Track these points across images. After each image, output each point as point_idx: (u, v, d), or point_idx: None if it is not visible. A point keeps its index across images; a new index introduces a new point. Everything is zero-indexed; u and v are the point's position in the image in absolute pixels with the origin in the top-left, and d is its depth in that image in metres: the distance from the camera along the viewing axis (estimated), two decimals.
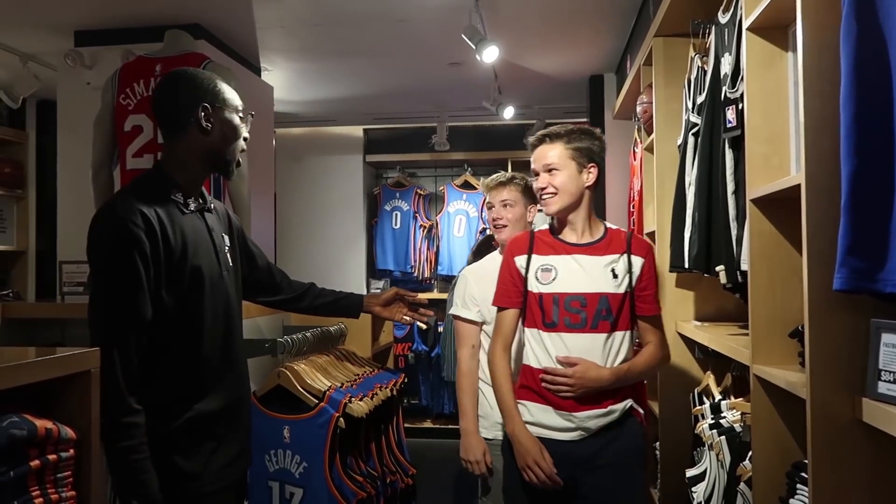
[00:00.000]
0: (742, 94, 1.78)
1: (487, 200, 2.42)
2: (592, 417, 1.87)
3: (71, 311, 2.59)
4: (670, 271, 2.54)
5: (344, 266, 5.62)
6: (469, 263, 3.74)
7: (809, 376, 1.25)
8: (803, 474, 1.42)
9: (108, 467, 1.43)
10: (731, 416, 2.06)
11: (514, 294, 1.97)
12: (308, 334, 2.26)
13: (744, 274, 1.76)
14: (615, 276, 1.90)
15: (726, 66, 1.96)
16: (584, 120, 4.58)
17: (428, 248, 5.73)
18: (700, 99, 2.19)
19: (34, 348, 1.04)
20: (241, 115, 1.63)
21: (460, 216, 5.65)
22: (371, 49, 3.96)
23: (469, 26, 3.15)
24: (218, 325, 1.59)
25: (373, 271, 5.78)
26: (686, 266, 2.30)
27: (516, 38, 3.76)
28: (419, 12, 3.33)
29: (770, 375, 1.49)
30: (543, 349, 1.90)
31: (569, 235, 1.96)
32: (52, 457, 0.91)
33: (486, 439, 2.25)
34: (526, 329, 1.96)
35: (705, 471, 2.09)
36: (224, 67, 2.60)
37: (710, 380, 2.39)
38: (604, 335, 1.87)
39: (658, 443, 2.76)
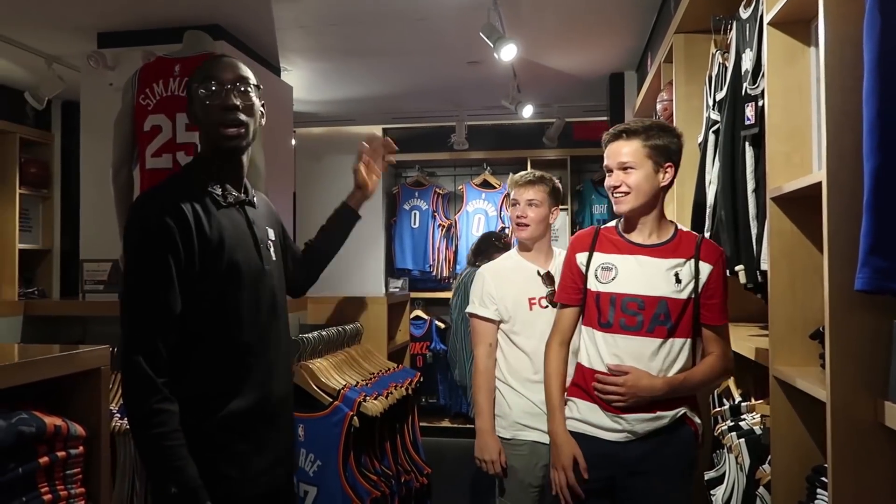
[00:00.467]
0: (763, 91, 1.74)
1: (512, 197, 2.37)
2: (641, 421, 1.81)
3: (92, 308, 2.62)
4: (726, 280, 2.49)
5: (363, 265, 5.63)
6: (469, 262, 3.72)
7: (830, 378, 1.21)
8: (823, 479, 1.39)
9: (140, 459, 1.42)
10: (750, 419, 2.03)
11: (573, 291, 1.92)
12: (323, 333, 2.26)
13: (764, 274, 1.72)
14: (678, 281, 1.80)
15: (747, 62, 1.93)
16: (605, 119, 4.54)
17: (446, 248, 5.72)
18: (720, 96, 2.16)
19: (45, 345, 1.05)
20: (207, 84, 1.51)
21: (479, 215, 5.64)
22: (389, 48, 3.96)
23: (487, 24, 3.13)
24: (259, 319, 1.54)
25: (391, 270, 5.78)
26: None
27: (535, 36, 3.74)
28: (438, 11, 3.33)
29: (790, 377, 1.46)
30: (596, 349, 1.85)
31: (635, 235, 1.87)
32: (60, 453, 0.91)
33: (503, 439, 2.24)
34: (583, 327, 1.92)
35: (724, 474, 2.05)
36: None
37: (730, 381, 2.34)
38: (659, 340, 1.79)
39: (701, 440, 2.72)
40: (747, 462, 1.88)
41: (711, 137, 2.28)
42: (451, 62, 4.19)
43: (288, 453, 1.67)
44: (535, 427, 2.21)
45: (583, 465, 1.84)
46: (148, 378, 1.37)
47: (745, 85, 1.91)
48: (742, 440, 1.92)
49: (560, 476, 1.85)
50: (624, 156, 1.82)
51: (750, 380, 2.24)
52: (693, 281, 1.81)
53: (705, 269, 1.82)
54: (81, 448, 0.95)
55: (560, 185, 2.41)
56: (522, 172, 2.40)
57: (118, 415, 2.18)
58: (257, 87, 1.58)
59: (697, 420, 1.93)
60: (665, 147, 1.82)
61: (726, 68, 2.19)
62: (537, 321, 2.24)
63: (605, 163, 1.88)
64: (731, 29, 2.17)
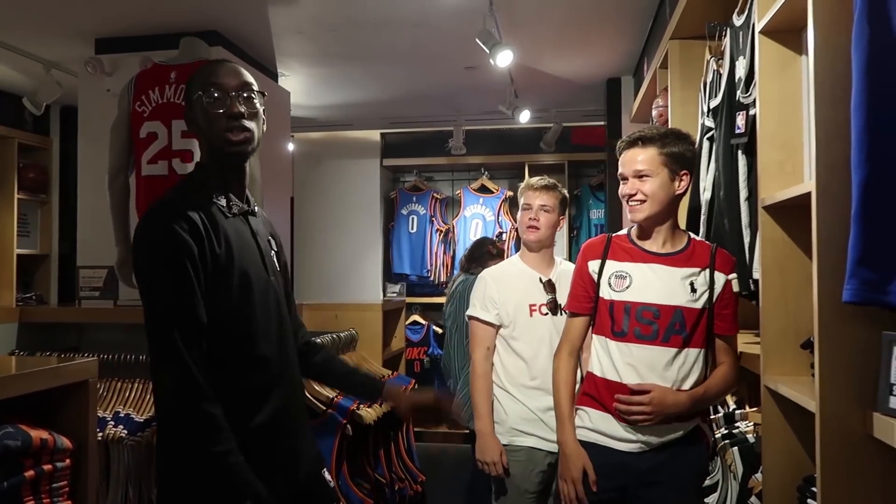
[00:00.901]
0: (754, 100, 1.75)
1: (524, 202, 2.37)
2: (655, 432, 1.79)
3: (87, 315, 2.63)
4: None
5: (360, 270, 5.63)
6: (462, 268, 3.70)
7: (819, 389, 1.21)
8: (814, 489, 1.39)
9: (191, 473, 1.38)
10: (744, 427, 2.03)
11: (584, 300, 1.90)
12: (320, 340, 2.26)
13: (756, 282, 1.72)
14: (693, 291, 1.79)
15: (741, 70, 1.93)
16: (602, 123, 4.54)
17: (444, 253, 5.72)
18: (714, 103, 2.16)
19: (33, 358, 1.05)
20: (216, 99, 1.47)
21: (477, 220, 5.64)
22: (387, 54, 3.97)
23: (484, 31, 3.14)
24: (271, 330, 1.52)
25: (389, 275, 5.78)
26: None
27: (532, 42, 3.74)
28: (434, 17, 3.33)
29: (781, 387, 1.46)
30: (609, 358, 1.82)
31: (649, 244, 1.86)
32: (46, 467, 0.91)
33: (503, 445, 2.24)
34: (594, 336, 1.90)
35: (718, 482, 2.06)
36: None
37: None
38: (674, 350, 1.77)
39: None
40: (740, 470, 1.88)
41: (706, 144, 2.28)
42: (448, 67, 4.20)
43: (312, 458, 1.63)
44: (532, 433, 2.22)
45: (592, 477, 1.82)
46: (193, 390, 1.32)
47: (738, 92, 1.91)
48: (735, 448, 1.92)
49: (569, 488, 1.83)
50: (640, 163, 1.80)
51: (744, 387, 2.24)
52: (708, 291, 1.79)
53: (720, 279, 1.81)
54: (68, 461, 0.95)
55: (568, 195, 2.42)
56: (538, 178, 2.41)
57: (112, 422, 2.18)
58: (261, 93, 1.54)
59: (709, 431, 1.92)
60: (681, 154, 1.81)
61: (720, 75, 2.19)
62: (537, 328, 2.24)
63: (621, 170, 1.86)
64: (725, 35, 2.18)
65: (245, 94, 1.49)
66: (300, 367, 1.67)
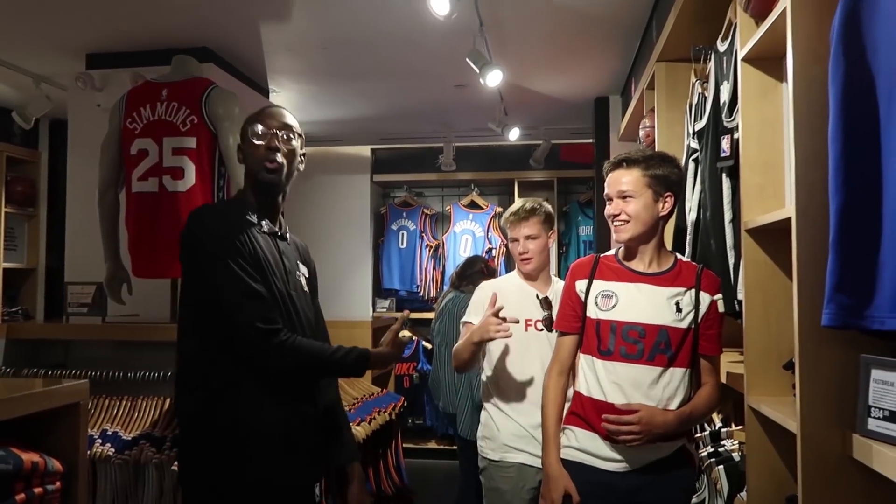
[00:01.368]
0: (738, 125, 1.78)
1: (510, 235, 2.40)
2: (641, 452, 1.78)
3: (75, 332, 2.62)
4: None
5: (350, 285, 5.63)
6: (452, 284, 3.69)
7: (800, 411, 1.24)
8: None
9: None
10: (730, 445, 2.05)
11: (572, 319, 1.91)
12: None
13: (740, 303, 1.75)
14: (679, 310, 1.80)
15: (725, 94, 1.97)
16: (590, 141, 4.59)
17: (434, 268, 5.74)
18: (700, 125, 2.20)
19: (25, 380, 1.05)
20: (254, 128, 1.72)
21: (466, 236, 5.66)
22: (377, 71, 4.00)
23: (473, 50, 3.17)
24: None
25: (379, 290, 5.79)
26: None
27: (521, 61, 3.79)
28: (424, 36, 3.37)
29: (764, 408, 1.48)
30: (595, 377, 1.83)
31: (635, 263, 1.88)
32: (38, 490, 0.92)
33: (491, 461, 2.25)
34: (581, 355, 1.91)
35: (704, 500, 2.07)
36: (229, 92, 2.63)
37: None
38: (659, 369, 1.78)
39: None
40: (726, 489, 1.90)
41: (691, 165, 2.32)
42: (438, 85, 4.24)
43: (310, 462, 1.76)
44: (523, 449, 2.22)
45: (576, 498, 1.82)
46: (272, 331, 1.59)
47: (722, 116, 1.95)
48: (721, 467, 1.94)
49: None
50: (624, 184, 1.82)
51: (730, 406, 2.27)
52: (693, 311, 1.81)
53: (706, 299, 1.82)
54: (58, 483, 0.96)
55: (550, 208, 2.43)
56: (514, 207, 2.40)
57: (99, 440, 2.17)
58: (300, 135, 1.79)
59: (695, 452, 1.93)
60: (665, 177, 1.83)
61: (706, 98, 2.23)
62: (531, 343, 2.26)
63: (606, 191, 1.89)
64: (709, 60, 2.22)
65: (285, 135, 1.74)
66: None
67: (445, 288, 5.53)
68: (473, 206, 5.76)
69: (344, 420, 1.95)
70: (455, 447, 5.18)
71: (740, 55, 1.65)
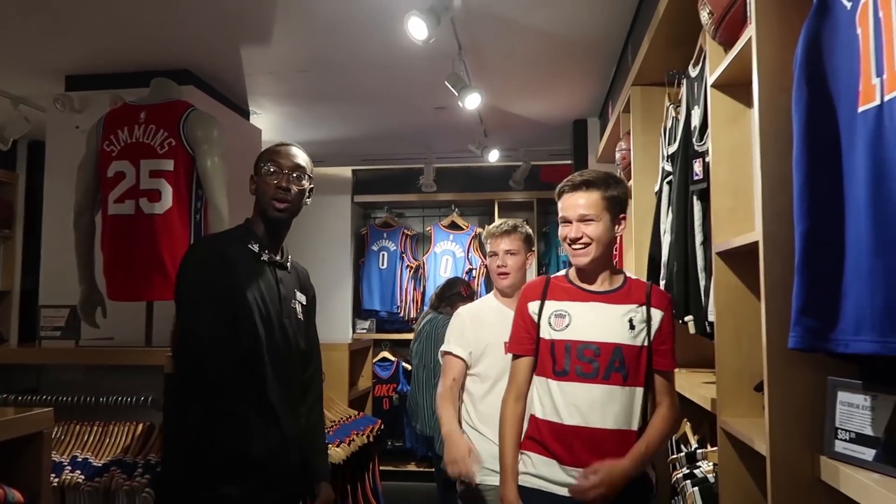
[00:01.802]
0: (709, 148, 1.81)
1: (490, 249, 2.42)
2: None
3: (48, 356, 2.57)
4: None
5: (330, 306, 5.60)
6: (432, 306, 3.70)
7: (769, 433, 1.25)
8: None
9: None
10: (705, 467, 2.05)
11: (526, 341, 1.89)
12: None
13: (711, 325, 1.77)
14: (632, 328, 1.80)
15: (696, 119, 2.01)
16: (569, 163, 4.64)
17: (414, 289, 5.74)
18: (672, 149, 2.23)
19: None
20: (269, 170, 1.86)
21: (447, 256, 5.67)
22: (358, 94, 4.02)
23: (452, 73, 3.21)
24: (277, 361, 1.77)
25: (359, 311, 5.77)
26: None
27: (501, 84, 3.83)
28: (404, 59, 3.40)
29: (735, 429, 1.49)
30: (550, 399, 1.81)
31: (587, 283, 1.88)
32: None
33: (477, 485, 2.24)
34: (535, 377, 1.89)
35: None
36: (208, 115, 2.63)
37: (686, 427, 2.37)
38: (615, 387, 1.78)
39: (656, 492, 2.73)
40: None
41: (666, 188, 2.35)
42: (418, 107, 4.27)
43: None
44: None
45: None
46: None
47: (693, 140, 1.98)
48: (696, 489, 1.93)
49: None
50: (584, 207, 1.82)
51: (706, 427, 2.27)
52: (646, 327, 1.82)
53: (657, 315, 1.84)
54: None
55: (531, 231, 2.46)
56: (496, 223, 2.45)
57: (69, 467, 2.13)
58: (310, 176, 1.93)
59: (651, 471, 1.92)
60: (620, 198, 1.85)
61: (678, 122, 2.27)
62: (509, 366, 2.26)
63: (563, 214, 1.87)
64: (682, 84, 2.26)
65: (296, 175, 1.87)
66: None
67: (426, 308, 5.54)
68: (454, 226, 5.78)
69: (321, 443, 1.97)
70: (433, 470, 5.17)
71: (710, 81, 1.69)
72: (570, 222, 1.85)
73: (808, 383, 1.24)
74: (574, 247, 1.84)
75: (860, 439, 1.12)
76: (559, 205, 1.90)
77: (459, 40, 3.08)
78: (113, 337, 2.85)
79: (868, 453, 1.10)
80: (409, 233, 5.85)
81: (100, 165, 2.60)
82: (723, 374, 1.59)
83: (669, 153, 2.27)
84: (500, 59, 3.50)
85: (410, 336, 5.43)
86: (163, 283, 2.47)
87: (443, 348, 2.34)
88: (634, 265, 2.82)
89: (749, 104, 1.66)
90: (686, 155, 2.07)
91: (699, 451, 2.18)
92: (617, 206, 1.84)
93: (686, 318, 1.93)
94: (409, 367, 5.45)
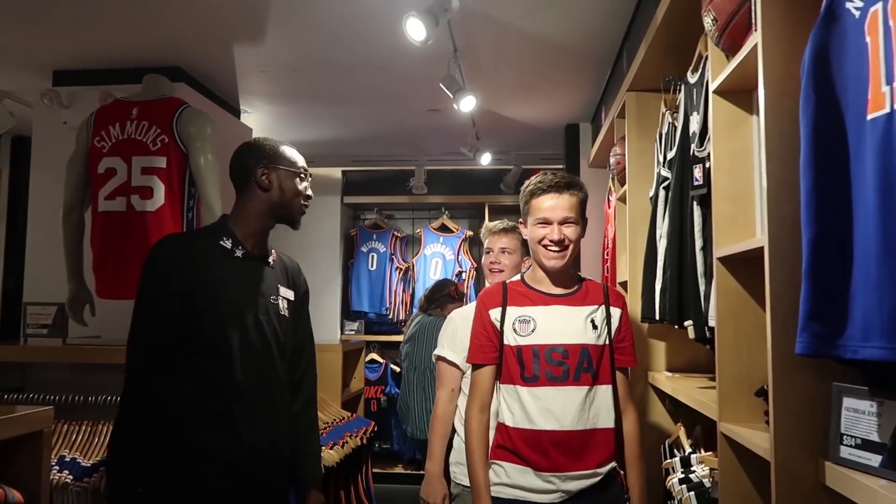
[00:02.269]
0: (709, 154, 1.82)
1: (486, 245, 2.42)
2: (573, 479, 1.77)
3: (33, 354, 2.53)
4: (642, 321, 2.56)
5: (318, 307, 5.55)
6: (421, 307, 3.68)
7: (773, 438, 1.25)
8: None
9: None
10: (700, 471, 2.06)
11: (489, 350, 1.86)
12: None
13: (711, 329, 1.77)
14: (595, 328, 1.82)
15: (695, 125, 2.01)
16: (561, 167, 4.65)
17: (404, 291, 5.72)
18: (671, 154, 2.24)
19: None
20: (300, 174, 1.85)
21: (436, 259, 5.66)
22: (351, 94, 4.00)
23: (447, 76, 3.20)
24: (249, 361, 1.71)
25: (347, 312, 5.74)
26: (657, 317, 2.31)
27: (494, 87, 3.83)
28: (400, 60, 3.39)
29: (736, 434, 1.49)
30: (520, 405, 1.79)
31: (546, 286, 1.87)
32: None
33: (463, 486, 2.22)
34: (501, 385, 1.85)
35: None
36: (201, 112, 2.60)
37: (680, 432, 2.38)
38: (586, 388, 1.78)
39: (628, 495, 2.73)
40: None
41: (662, 193, 2.36)
42: (411, 109, 4.26)
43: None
44: None
45: None
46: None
47: (692, 146, 1.99)
48: (692, 493, 1.94)
49: None
50: (568, 210, 1.80)
51: (699, 431, 2.28)
52: (607, 327, 1.85)
53: (616, 313, 1.88)
54: None
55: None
56: (497, 221, 2.45)
57: (57, 467, 2.09)
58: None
59: (623, 472, 1.93)
60: (585, 202, 1.88)
61: (675, 128, 2.28)
62: None
63: (545, 215, 1.80)
64: (679, 90, 2.27)
65: (310, 180, 1.90)
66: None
67: (415, 310, 5.52)
68: (444, 229, 5.77)
69: (314, 448, 1.92)
70: (421, 472, 5.14)
71: (711, 87, 1.69)
72: (551, 223, 1.81)
73: (812, 389, 1.24)
74: (552, 248, 1.82)
75: (866, 445, 1.12)
76: (533, 205, 1.84)
77: (455, 42, 3.08)
78: (100, 335, 2.81)
79: (874, 459, 1.10)
80: (398, 234, 5.84)
81: (90, 161, 2.56)
82: (723, 380, 1.59)
83: (668, 159, 2.28)
84: (494, 63, 3.50)
85: (399, 338, 5.42)
86: None
87: (436, 352, 2.33)
88: (629, 270, 2.82)
89: (750, 110, 1.67)
90: (684, 160, 2.08)
91: (693, 455, 2.19)
92: (584, 209, 1.87)
93: (686, 323, 1.93)
94: (397, 369, 5.44)
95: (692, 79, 2.08)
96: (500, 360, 1.85)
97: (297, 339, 1.93)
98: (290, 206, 1.84)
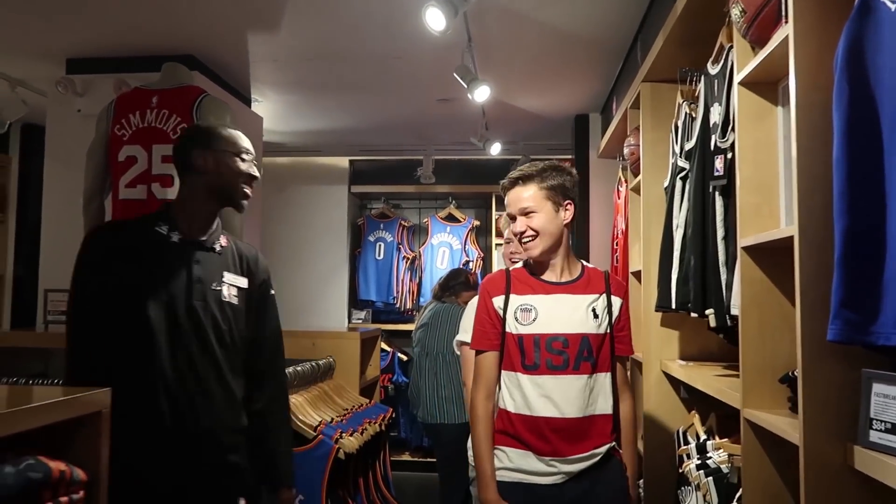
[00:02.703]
0: (731, 144, 1.84)
1: (506, 236, 2.46)
2: (574, 461, 1.83)
3: (55, 340, 2.55)
4: (656, 310, 2.59)
5: (326, 296, 5.61)
6: (434, 295, 3.71)
7: (802, 423, 1.28)
8: None
9: None
10: (717, 457, 2.09)
11: (493, 336, 1.90)
12: (298, 368, 2.25)
13: (733, 318, 1.80)
14: (596, 316, 1.87)
15: (716, 116, 2.03)
16: (570, 157, 4.67)
17: (411, 280, 5.75)
18: (689, 145, 2.26)
19: (45, 388, 1.04)
20: (239, 154, 1.78)
21: (444, 248, 5.69)
22: (362, 84, 4.01)
23: (461, 66, 3.21)
24: (177, 350, 1.67)
25: (355, 301, 5.77)
26: (672, 307, 2.34)
27: (505, 78, 3.84)
28: (413, 50, 3.40)
29: (762, 420, 1.53)
30: (521, 393, 1.84)
31: (547, 275, 1.92)
32: (63, 499, 0.91)
33: None
34: (503, 372, 1.89)
35: None
36: (221, 101, 2.62)
37: (695, 419, 2.42)
38: (585, 377, 1.84)
39: (642, 481, 2.78)
40: (715, 500, 1.93)
41: (679, 184, 2.38)
42: (421, 99, 4.27)
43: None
44: None
45: None
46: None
47: (713, 137, 2.01)
48: (710, 478, 1.98)
49: None
50: (524, 201, 1.88)
51: (713, 418, 2.32)
52: (608, 315, 1.89)
53: (616, 302, 1.92)
54: (82, 493, 0.94)
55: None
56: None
57: None
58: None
59: (621, 450, 1.97)
60: (561, 186, 1.90)
61: (693, 119, 2.30)
62: None
63: (508, 210, 1.94)
64: (697, 81, 2.29)
65: (256, 164, 1.82)
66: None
67: (422, 299, 5.57)
68: (451, 218, 5.79)
69: (282, 446, 1.87)
70: (427, 460, 5.19)
71: (737, 79, 1.71)
72: (515, 217, 1.91)
73: (840, 375, 1.27)
74: (523, 240, 1.89)
75: (895, 429, 1.15)
76: (505, 202, 1.96)
77: (470, 32, 3.09)
78: None
79: None
80: (405, 224, 5.86)
81: (110, 149, 2.58)
82: (747, 367, 1.62)
83: (685, 149, 2.30)
84: (506, 53, 3.51)
85: (406, 327, 5.47)
86: None
87: (459, 338, 2.35)
88: (642, 259, 2.85)
89: (775, 102, 1.69)
90: (704, 151, 2.10)
91: (709, 442, 2.22)
92: (559, 195, 1.90)
93: (707, 312, 1.96)
94: (404, 357, 5.48)
95: (713, 70, 2.10)
96: (502, 346, 1.89)
97: (257, 331, 1.86)
98: (230, 187, 1.77)
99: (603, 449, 1.87)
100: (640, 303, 2.84)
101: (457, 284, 3.54)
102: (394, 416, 3.07)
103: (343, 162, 5.75)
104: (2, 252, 4.73)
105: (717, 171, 1.90)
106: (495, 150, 4.72)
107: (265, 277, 1.92)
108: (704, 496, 1.99)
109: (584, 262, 2.00)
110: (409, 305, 5.68)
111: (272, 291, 1.95)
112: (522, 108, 4.40)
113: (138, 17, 3.08)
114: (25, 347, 2.61)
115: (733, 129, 1.82)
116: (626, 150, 3.18)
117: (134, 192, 2.51)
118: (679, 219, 2.35)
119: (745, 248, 1.64)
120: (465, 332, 2.34)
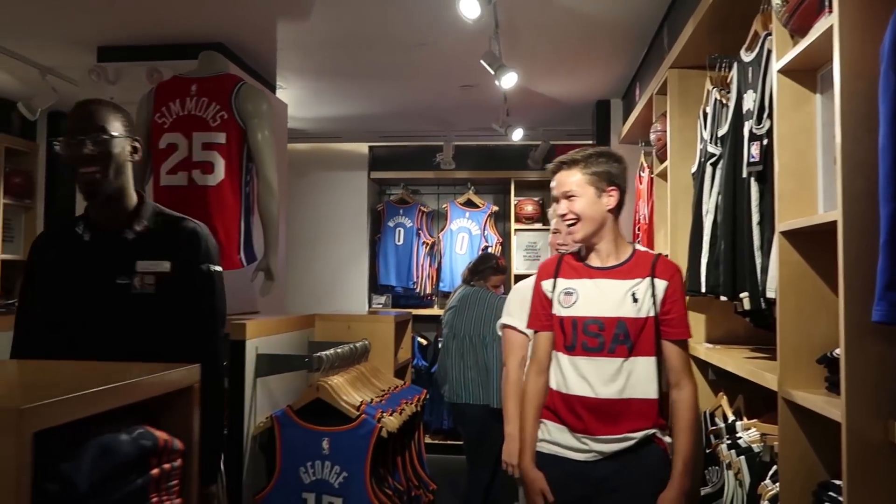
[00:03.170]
0: (767, 131, 1.88)
1: (553, 226, 2.53)
2: (607, 442, 1.90)
3: None
4: (685, 295, 2.63)
5: (346, 281, 5.68)
6: (464, 279, 3.79)
7: (845, 401, 1.33)
8: (830, 493, 1.51)
9: None
10: (747, 437, 2.15)
11: (544, 318, 2.02)
12: (339, 350, 2.32)
13: (768, 301, 1.85)
14: (635, 301, 1.91)
15: (749, 103, 2.06)
16: (591, 143, 4.70)
17: (430, 265, 5.81)
18: (721, 132, 2.29)
19: (133, 364, 1.11)
20: (69, 135, 1.63)
21: (463, 234, 5.74)
22: (386, 71, 4.05)
23: (488, 52, 3.24)
24: (84, 338, 1.68)
25: (375, 286, 5.84)
26: (702, 290, 2.39)
27: (529, 63, 3.87)
28: (439, 37, 3.43)
29: (801, 399, 1.58)
30: (561, 372, 1.95)
31: (593, 259, 2.00)
32: (166, 466, 0.97)
33: None
34: (553, 352, 2.01)
35: (721, 489, 2.17)
36: (258, 89, 2.67)
37: (723, 401, 2.47)
38: (620, 360, 1.89)
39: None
40: (747, 479, 1.99)
41: (709, 169, 2.41)
42: (444, 85, 4.30)
43: None
44: None
45: (550, 499, 1.93)
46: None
47: (747, 124, 2.04)
48: (742, 457, 2.03)
49: None
50: (566, 185, 1.97)
51: (741, 399, 2.37)
52: (651, 299, 1.92)
53: (661, 285, 1.94)
54: (180, 461, 1.01)
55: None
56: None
57: None
58: (114, 135, 1.66)
59: (668, 439, 1.98)
60: (606, 172, 1.97)
61: (724, 105, 2.33)
62: None
63: (552, 193, 2.03)
64: (728, 68, 2.32)
65: (98, 137, 1.64)
66: None
67: (441, 284, 5.64)
68: (470, 204, 5.84)
69: (205, 442, 1.76)
70: (447, 443, 5.27)
71: (776, 67, 1.74)
72: (559, 200, 1.99)
73: (882, 354, 1.32)
74: (565, 221, 1.98)
75: None
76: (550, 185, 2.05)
77: (497, 18, 3.12)
78: None
79: None
80: (425, 209, 5.91)
81: (151, 137, 2.64)
82: (785, 348, 1.67)
83: (717, 136, 2.33)
84: (531, 39, 3.54)
85: (426, 311, 5.54)
86: None
87: (503, 321, 2.42)
88: (669, 244, 2.89)
89: (814, 89, 1.73)
90: (737, 137, 2.13)
91: (738, 423, 2.28)
92: (602, 181, 1.96)
93: (741, 295, 2.00)
94: (424, 341, 5.56)
95: (747, 57, 2.13)
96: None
97: (185, 314, 1.72)
98: (75, 175, 1.66)
99: (639, 434, 1.91)
100: None
101: (486, 269, 3.61)
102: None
103: (362, 148, 5.79)
104: (31, 237, 4.81)
105: (753, 157, 1.93)
106: (517, 135, 4.75)
107: (192, 255, 1.75)
108: (736, 475, 2.05)
109: (638, 247, 2.05)
110: (428, 290, 5.75)
111: (209, 268, 1.77)
112: (544, 93, 4.43)
113: (170, 5, 3.13)
114: None
115: (769, 116, 1.86)
116: (652, 136, 3.22)
117: (175, 179, 2.57)
118: (709, 204, 2.39)
119: (784, 233, 1.68)
120: (508, 316, 2.41)
